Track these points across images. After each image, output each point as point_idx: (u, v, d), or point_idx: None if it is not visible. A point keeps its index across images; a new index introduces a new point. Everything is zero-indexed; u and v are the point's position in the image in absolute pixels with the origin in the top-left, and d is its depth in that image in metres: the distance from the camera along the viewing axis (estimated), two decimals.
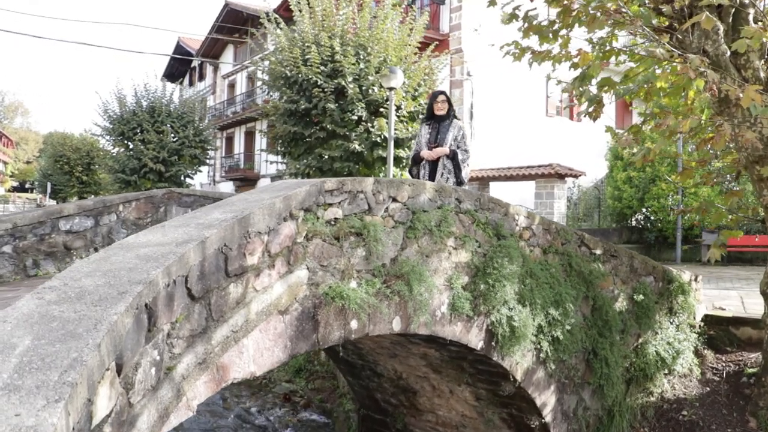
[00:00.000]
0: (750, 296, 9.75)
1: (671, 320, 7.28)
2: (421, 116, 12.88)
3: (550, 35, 6.41)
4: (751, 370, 7.10)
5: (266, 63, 13.25)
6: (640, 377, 6.89)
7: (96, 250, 5.47)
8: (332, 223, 3.85)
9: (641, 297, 6.87)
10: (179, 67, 37.99)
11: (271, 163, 16.54)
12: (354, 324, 3.93)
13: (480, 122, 21.23)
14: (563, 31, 6.58)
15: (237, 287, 3.17)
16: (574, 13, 6.02)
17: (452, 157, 6.35)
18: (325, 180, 3.77)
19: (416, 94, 12.83)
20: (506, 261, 4.93)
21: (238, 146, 31.97)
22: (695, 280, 7.86)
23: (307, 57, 11.85)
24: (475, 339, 5.00)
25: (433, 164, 6.40)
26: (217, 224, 3.10)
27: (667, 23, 6.30)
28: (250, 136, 31.13)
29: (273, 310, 3.43)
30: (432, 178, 6.38)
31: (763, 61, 6.20)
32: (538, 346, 5.49)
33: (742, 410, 6.74)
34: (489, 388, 5.97)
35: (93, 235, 5.34)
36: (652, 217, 17.96)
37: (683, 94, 7.39)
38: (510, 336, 5.08)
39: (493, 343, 5.11)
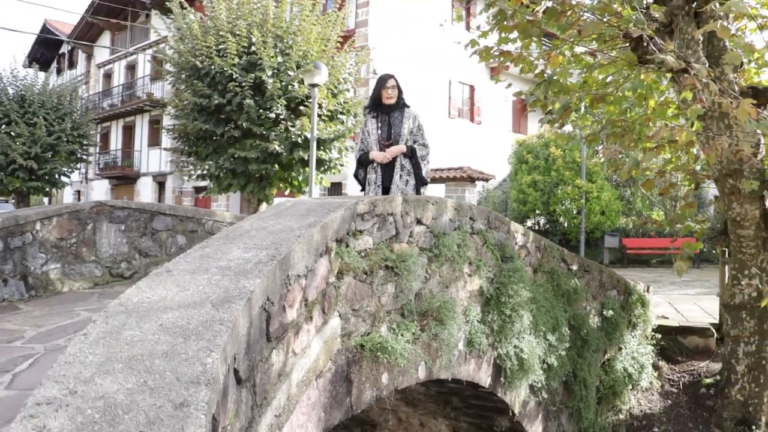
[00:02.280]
0: (678, 301, 9.93)
1: (632, 334, 7.09)
2: (341, 115, 12.10)
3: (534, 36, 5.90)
4: (708, 381, 7.06)
5: (170, 51, 11.86)
6: (610, 395, 6.62)
7: (6, 282, 4.22)
8: (362, 254, 3.05)
9: (610, 312, 6.59)
10: (45, 53, 34.28)
11: (174, 162, 15.01)
12: (385, 378, 3.16)
13: None
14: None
15: (279, 354, 2.32)
16: (567, 15, 5.54)
17: (410, 154, 5.08)
18: (357, 201, 2.97)
19: (336, 91, 12.03)
20: (520, 287, 4.35)
21: (115, 142, 29.37)
22: (647, 290, 7.76)
23: (221, 47, 10.68)
24: (485, 375, 4.38)
25: (387, 165, 5.11)
26: (252, 269, 2.23)
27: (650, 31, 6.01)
28: (128, 131, 28.68)
29: (312, 377, 2.60)
30: (386, 182, 5.10)
31: (735, 75, 6.12)
32: (536, 375, 4.97)
33: (707, 422, 6.65)
34: (474, 422, 5.38)
35: (1, 262, 4.09)
36: (560, 219, 18.34)
37: (644, 102, 7.26)
38: (518, 369, 4.52)
39: (501, 379, 4.52)
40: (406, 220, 3.41)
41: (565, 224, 18.66)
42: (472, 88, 24.07)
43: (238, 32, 10.83)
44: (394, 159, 5.05)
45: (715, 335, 7.74)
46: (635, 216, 19.70)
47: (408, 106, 5.20)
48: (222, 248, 2.48)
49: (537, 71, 7.22)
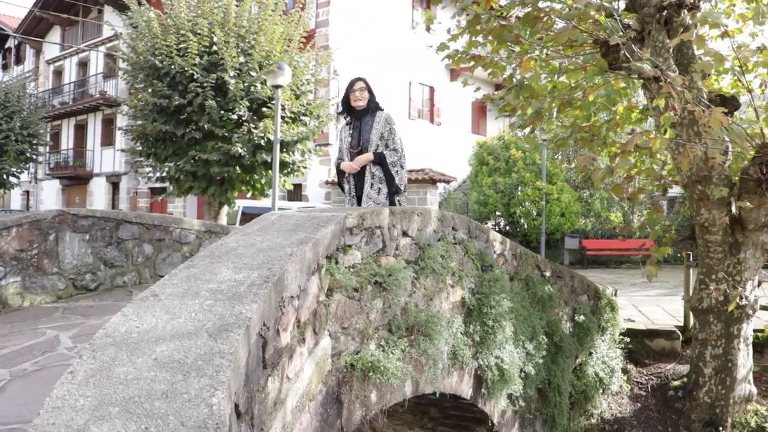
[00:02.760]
0: (641, 304, 10.10)
1: (602, 338, 7.14)
2: (304, 117, 11.90)
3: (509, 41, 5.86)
4: (676, 383, 7.17)
5: (127, 49, 11.46)
6: (582, 400, 6.64)
7: None
8: (352, 270, 2.93)
9: (582, 317, 6.62)
10: None
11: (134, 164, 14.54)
12: (374, 396, 3.05)
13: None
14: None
15: (274, 382, 2.18)
16: (542, 21, 5.52)
17: (379, 161, 4.81)
18: (346, 214, 2.85)
19: (299, 92, 11.83)
20: (502, 298, 4.29)
21: (67, 141, 28.38)
22: (615, 294, 7.84)
23: (181, 46, 10.37)
24: (466, 387, 4.31)
25: (359, 174, 4.86)
26: (246, 293, 2.09)
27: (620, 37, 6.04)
28: (80, 130, 27.75)
29: (305, 402, 2.47)
30: (359, 191, 4.90)
31: (701, 82, 6.21)
32: (516, 385, 4.93)
33: (676, 425, 6.74)
34: None
35: None
36: (520, 221, 18.51)
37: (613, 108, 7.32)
38: (499, 380, 4.46)
39: (482, 390, 4.46)
40: (393, 232, 3.30)
41: (526, 226, 18.85)
42: (432, 89, 24.13)
43: (199, 31, 10.54)
44: (365, 167, 4.82)
45: (681, 337, 7.87)
46: (593, 217, 20.05)
47: (381, 110, 4.94)
48: (209, 268, 2.33)
49: (506, 75, 7.22)
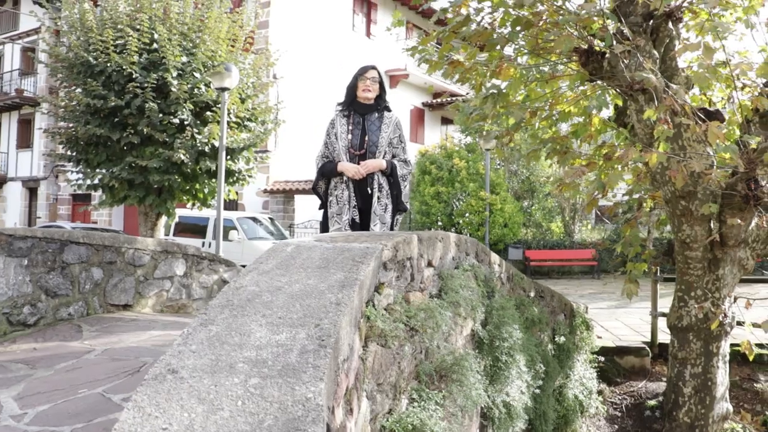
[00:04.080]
0: (598, 318, 9.97)
1: (578, 357, 6.88)
2: (249, 122, 11.21)
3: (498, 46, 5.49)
4: (652, 403, 6.99)
5: (52, 41, 10.43)
6: (562, 425, 6.33)
7: None
8: (385, 311, 2.43)
9: (562, 338, 6.32)
10: None
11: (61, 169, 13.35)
12: None
13: (285, 129, 19.93)
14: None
15: None
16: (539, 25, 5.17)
17: (389, 172, 4.08)
18: (382, 246, 2.34)
19: (244, 96, 11.15)
20: (513, 329, 3.88)
21: None
22: (586, 311, 7.63)
23: (119, 42, 9.50)
24: (474, 428, 3.86)
25: (360, 183, 4.06)
26: (302, 364, 1.56)
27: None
28: None
29: None
30: (359, 203, 4.07)
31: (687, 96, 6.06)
32: (521, 422, 4.52)
33: None
34: None
35: None
36: (462, 232, 18.33)
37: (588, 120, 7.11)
38: (506, 418, 4.03)
39: (489, 430, 4.02)
40: (421, 263, 2.82)
41: (468, 236, 18.71)
42: None
43: (138, 26, 9.70)
44: (369, 175, 4.04)
45: (650, 354, 7.74)
46: (534, 228, 20.17)
47: (389, 110, 4.23)
48: (235, 325, 1.77)
49: (473, 83, 6.88)
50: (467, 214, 17.96)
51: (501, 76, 6.15)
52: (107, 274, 4.47)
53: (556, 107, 7.12)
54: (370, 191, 4.05)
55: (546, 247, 18.60)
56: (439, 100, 25.90)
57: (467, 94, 11.88)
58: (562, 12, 4.96)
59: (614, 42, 5.70)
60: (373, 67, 4.21)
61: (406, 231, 2.92)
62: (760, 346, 7.43)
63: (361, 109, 4.15)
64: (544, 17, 5.17)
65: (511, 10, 5.23)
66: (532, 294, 5.77)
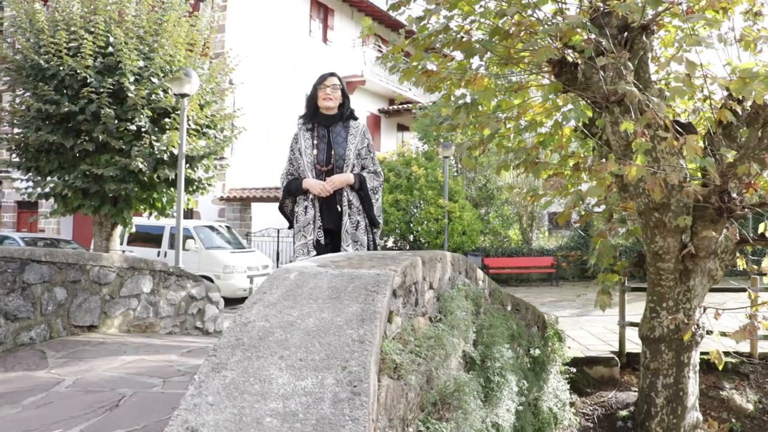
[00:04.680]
0: (567, 328, 10.00)
1: (552, 369, 6.84)
2: (208, 129, 10.88)
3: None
4: (623, 413, 7.01)
5: (3, 44, 9.89)
6: None
7: None
8: (398, 342, 2.28)
9: (537, 351, 6.27)
10: None
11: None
12: None
13: (241, 135, 19.55)
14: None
15: None
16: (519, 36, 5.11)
17: (359, 186, 3.83)
18: (392, 271, 2.19)
19: (203, 102, 10.82)
20: (505, 348, 3.78)
21: None
22: (557, 322, 7.62)
23: (72, 45, 9.06)
24: None
25: (328, 200, 3.78)
26: (336, 416, 1.40)
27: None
28: None
29: None
30: (327, 223, 3.80)
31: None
32: None
33: None
34: None
35: None
36: (421, 240, 18.28)
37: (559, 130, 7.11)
38: None
39: None
40: (424, 286, 2.68)
41: (427, 245, 18.70)
42: None
43: (92, 29, 9.28)
44: (337, 192, 3.77)
45: (619, 364, 7.79)
46: (491, 235, 20.30)
47: (355, 118, 3.98)
48: (251, 369, 1.59)
49: (446, 92, 6.81)
50: (426, 222, 17.92)
51: (475, 86, 6.09)
52: (71, 294, 4.15)
53: (526, 117, 7.10)
54: (339, 209, 3.79)
55: (504, 254, 18.72)
56: (395, 106, 25.88)
57: (432, 103, 11.84)
58: (544, 23, 4.91)
59: (594, 54, 5.72)
60: (333, 74, 3.94)
61: (407, 252, 2.77)
62: (726, 353, 7.56)
63: (325, 120, 3.89)
64: (523, 28, 5.11)
65: (487, 20, 5.16)
66: (509, 308, 5.70)
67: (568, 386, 7.14)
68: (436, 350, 2.47)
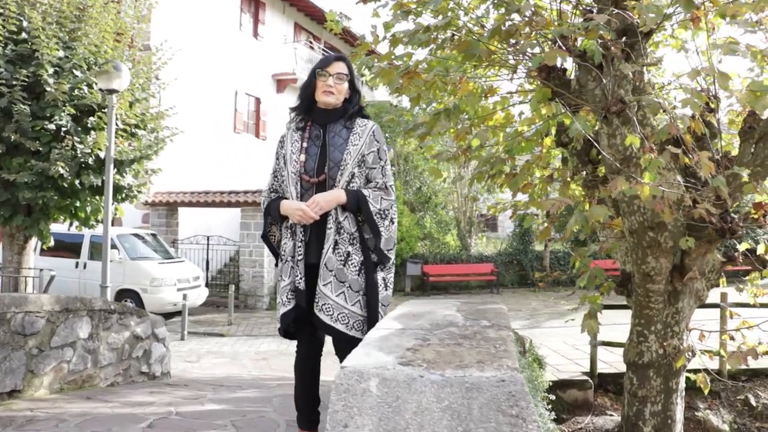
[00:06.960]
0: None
1: (536, 397, 6.34)
2: (137, 130, 9.77)
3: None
4: None
5: None
6: None
7: None
8: None
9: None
10: None
11: None
12: None
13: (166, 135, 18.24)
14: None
15: None
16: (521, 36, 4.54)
17: (355, 207, 2.79)
18: (511, 370, 1.53)
19: (133, 99, 9.72)
20: (538, 401, 3.17)
21: None
22: (531, 344, 7.15)
23: None
24: None
25: (320, 225, 2.80)
26: None
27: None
28: None
29: None
30: (312, 257, 2.82)
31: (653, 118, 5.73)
32: None
33: None
34: None
35: None
36: None
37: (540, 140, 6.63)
38: None
39: None
40: None
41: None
42: (258, 101, 22.51)
43: (2, 10, 8.05)
44: (327, 214, 2.78)
45: (592, 386, 7.41)
46: (429, 241, 19.88)
47: (365, 116, 2.97)
48: None
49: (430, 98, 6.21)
50: None
51: (459, 91, 5.55)
52: None
53: (502, 123, 6.66)
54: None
55: (443, 261, 18.32)
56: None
57: (393, 105, 11.20)
58: (559, 23, 4.36)
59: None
60: (341, 58, 2.91)
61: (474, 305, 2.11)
62: (696, 371, 7.33)
63: (322, 117, 2.88)
64: (529, 28, 4.55)
65: (486, 23, 4.57)
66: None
67: (553, 416, 6.68)
68: None
